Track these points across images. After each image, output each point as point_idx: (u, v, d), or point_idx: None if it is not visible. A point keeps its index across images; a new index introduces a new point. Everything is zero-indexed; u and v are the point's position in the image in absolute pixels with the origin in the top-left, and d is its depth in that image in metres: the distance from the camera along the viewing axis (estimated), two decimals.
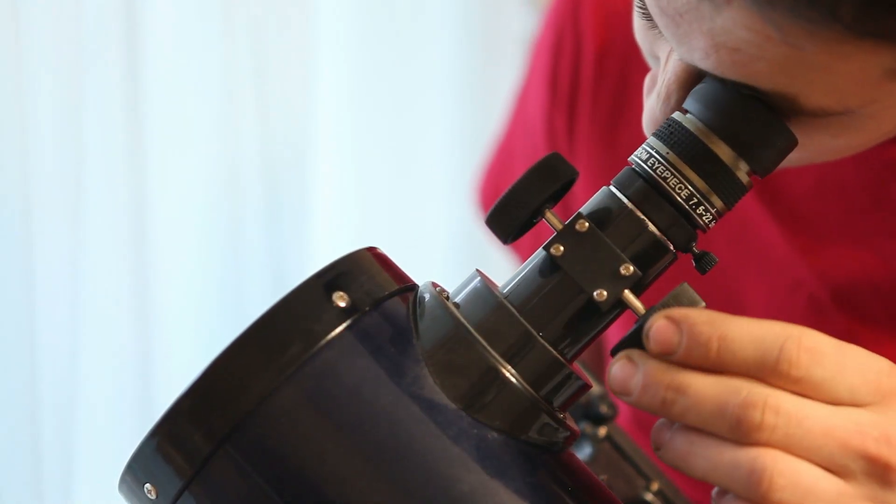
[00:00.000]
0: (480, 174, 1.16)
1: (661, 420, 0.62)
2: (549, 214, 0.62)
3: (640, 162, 0.63)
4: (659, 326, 0.60)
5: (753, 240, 0.88)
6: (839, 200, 0.84)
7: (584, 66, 0.99)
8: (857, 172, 0.83)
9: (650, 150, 0.63)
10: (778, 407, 0.58)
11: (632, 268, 0.62)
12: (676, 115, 0.64)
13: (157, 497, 0.61)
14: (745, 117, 0.62)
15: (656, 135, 0.64)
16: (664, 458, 0.61)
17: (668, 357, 0.60)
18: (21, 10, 1.18)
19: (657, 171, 0.63)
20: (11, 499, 1.26)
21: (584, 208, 0.63)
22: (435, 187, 1.67)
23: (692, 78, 0.64)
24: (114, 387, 1.32)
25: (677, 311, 0.60)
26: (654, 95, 0.66)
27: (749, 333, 0.59)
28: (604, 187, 0.64)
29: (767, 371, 0.58)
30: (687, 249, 0.63)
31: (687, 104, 0.64)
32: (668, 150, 0.63)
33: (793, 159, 0.64)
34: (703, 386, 0.59)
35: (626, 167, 0.64)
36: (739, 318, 0.59)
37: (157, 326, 1.35)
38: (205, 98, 1.40)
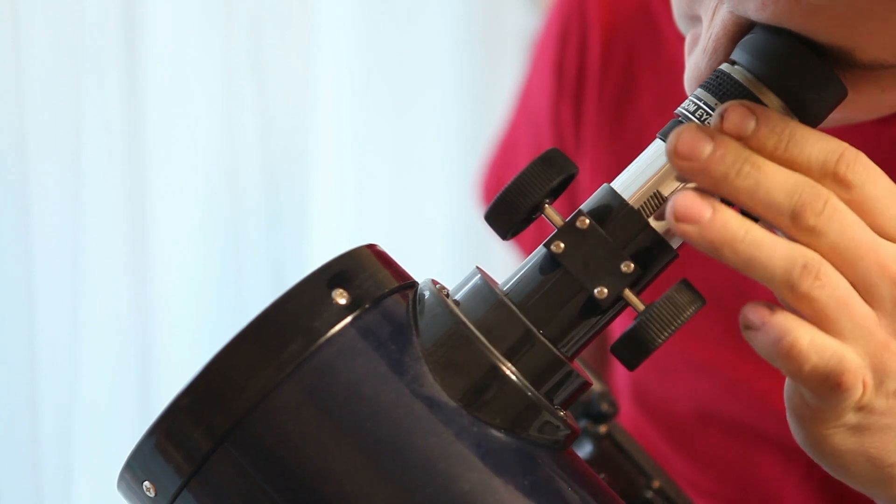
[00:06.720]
0: (483, 169, 1.16)
1: (691, 194, 0.60)
2: (549, 210, 0.62)
3: (687, 113, 0.63)
4: (735, 106, 0.61)
5: None
6: None
7: (591, 54, 0.99)
8: (866, 152, 0.83)
9: (698, 102, 0.63)
10: (837, 205, 0.60)
11: (632, 265, 0.61)
12: (724, 67, 0.64)
13: (156, 495, 0.60)
14: (795, 67, 0.62)
15: (704, 86, 0.64)
16: (700, 236, 0.60)
17: (737, 139, 0.60)
18: (20, 4, 1.18)
19: (706, 123, 0.62)
20: (11, 498, 1.26)
21: (585, 205, 0.63)
22: (435, 185, 1.67)
23: (741, 30, 0.64)
24: (113, 384, 1.32)
25: (749, 102, 0.61)
26: (698, 50, 0.66)
27: (814, 134, 0.60)
28: (605, 184, 0.64)
29: (828, 174, 0.60)
30: None
31: (735, 55, 0.64)
32: (716, 102, 0.63)
33: (835, 118, 0.64)
34: (776, 169, 0.60)
35: (673, 119, 0.64)
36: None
37: (157, 323, 1.35)
38: (205, 96, 1.39)
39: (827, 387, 0.60)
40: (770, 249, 0.59)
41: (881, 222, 0.60)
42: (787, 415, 0.64)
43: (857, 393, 0.60)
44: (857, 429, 0.62)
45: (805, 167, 0.60)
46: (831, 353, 0.59)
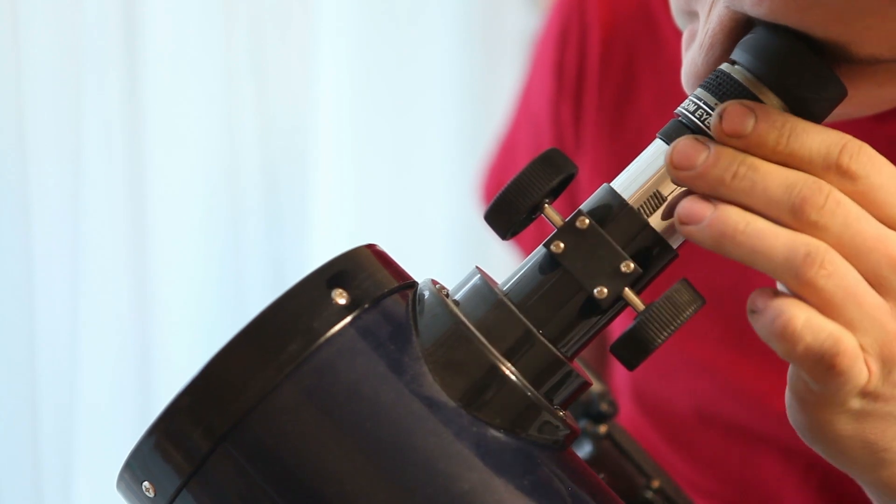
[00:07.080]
0: (484, 170, 1.16)
1: (693, 196, 0.61)
2: (548, 210, 0.62)
3: (687, 113, 0.63)
4: (733, 105, 0.61)
5: None
6: None
7: (591, 55, 0.99)
8: None
9: (697, 102, 0.63)
10: (840, 199, 0.60)
11: (632, 265, 0.61)
12: (724, 66, 0.64)
13: (155, 495, 0.60)
14: (794, 67, 0.62)
15: (704, 86, 0.64)
16: (701, 234, 0.61)
17: (737, 138, 0.61)
18: (20, 4, 1.18)
19: (705, 123, 0.62)
20: (11, 498, 1.26)
21: (585, 205, 0.63)
22: (435, 185, 1.67)
23: (739, 27, 0.64)
24: (113, 384, 1.32)
25: (748, 101, 0.61)
26: (695, 47, 0.66)
27: (814, 128, 0.61)
28: (604, 184, 0.64)
29: (831, 165, 0.60)
30: None
31: (735, 55, 0.64)
32: (716, 101, 0.62)
33: (833, 113, 0.64)
34: (774, 168, 0.60)
35: (673, 119, 0.64)
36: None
37: (157, 323, 1.35)
38: (205, 96, 1.39)
39: (822, 368, 0.60)
40: (772, 239, 0.59)
41: (889, 213, 0.60)
42: (788, 401, 0.64)
43: (857, 377, 0.60)
44: (860, 414, 0.62)
45: (807, 161, 0.60)
46: (826, 334, 0.59)
